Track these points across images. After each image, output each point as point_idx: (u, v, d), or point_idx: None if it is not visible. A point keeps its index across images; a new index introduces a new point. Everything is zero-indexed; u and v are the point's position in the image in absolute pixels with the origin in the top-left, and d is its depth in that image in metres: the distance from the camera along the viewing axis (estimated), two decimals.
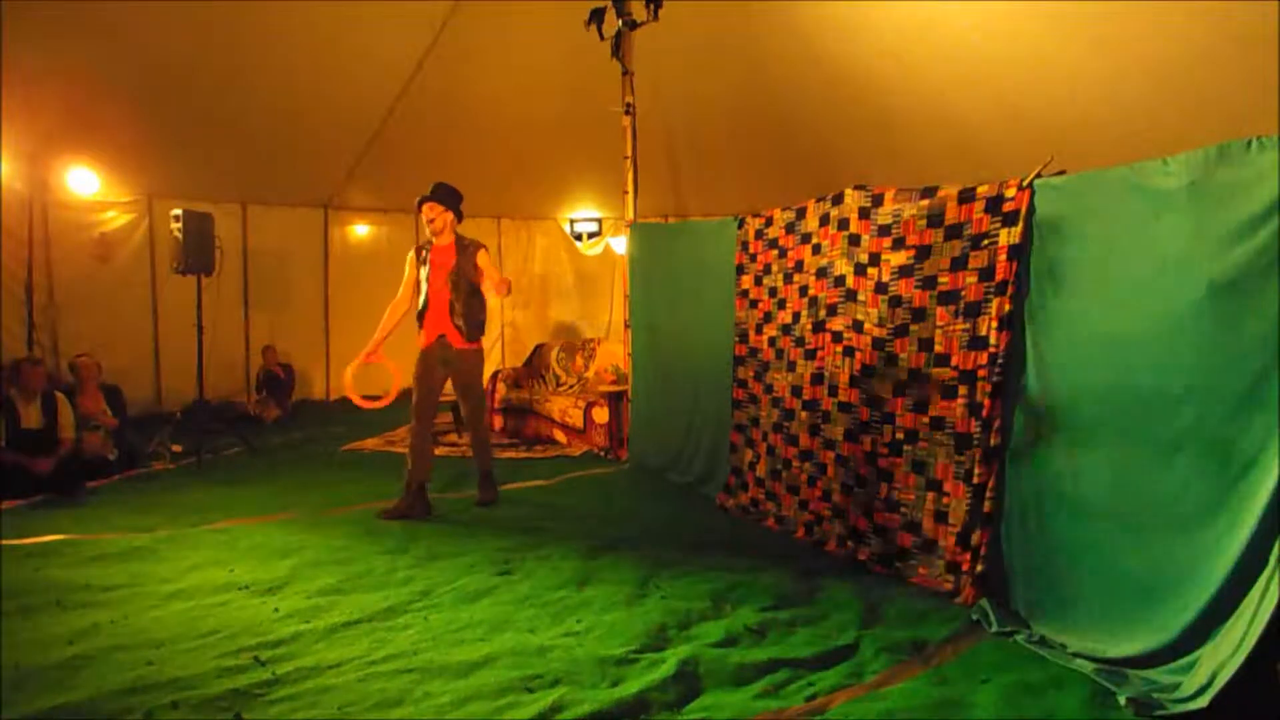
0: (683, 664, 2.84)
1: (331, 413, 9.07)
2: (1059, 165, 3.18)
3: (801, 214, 4.55)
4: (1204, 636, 2.51)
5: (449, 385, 5.06)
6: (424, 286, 4.86)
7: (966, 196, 3.47)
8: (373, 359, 5.04)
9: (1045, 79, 5.38)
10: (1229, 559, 2.44)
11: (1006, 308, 3.26)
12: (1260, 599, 2.31)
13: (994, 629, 3.14)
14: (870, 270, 3.97)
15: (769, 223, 4.81)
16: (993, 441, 3.33)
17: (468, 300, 4.83)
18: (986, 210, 3.37)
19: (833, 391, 4.23)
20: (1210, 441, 2.55)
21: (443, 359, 4.87)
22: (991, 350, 3.32)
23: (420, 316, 4.89)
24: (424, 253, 4.93)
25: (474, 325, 4.87)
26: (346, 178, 9.21)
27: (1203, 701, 2.37)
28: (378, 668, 2.84)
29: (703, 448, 5.48)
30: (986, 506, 3.35)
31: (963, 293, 3.47)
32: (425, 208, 4.83)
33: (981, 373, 3.38)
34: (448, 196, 4.85)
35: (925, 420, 3.67)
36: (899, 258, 3.80)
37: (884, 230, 3.89)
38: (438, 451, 6.71)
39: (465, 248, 4.87)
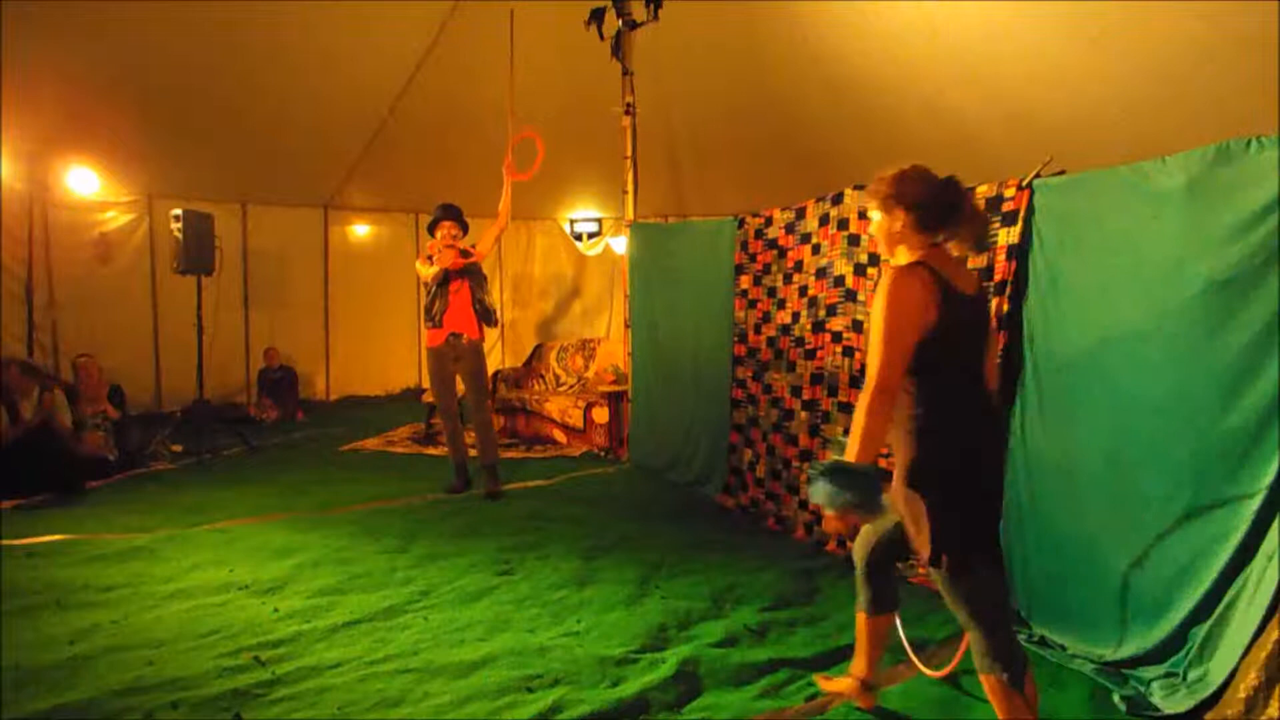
0: (683, 664, 2.85)
1: (331, 413, 9.07)
2: (1059, 165, 3.18)
3: (801, 214, 4.55)
4: (1198, 637, 2.51)
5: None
6: (435, 289, 5.28)
7: None
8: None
9: (1045, 79, 5.37)
10: (1224, 558, 2.44)
11: (1005, 308, 3.26)
12: (1252, 598, 2.31)
13: None
14: (870, 270, 3.97)
15: (768, 223, 4.81)
16: None
17: (485, 295, 5.39)
18: (986, 210, 3.37)
19: (832, 391, 4.24)
20: (1208, 441, 2.55)
21: (454, 355, 5.27)
22: None
23: (439, 316, 5.25)
24: (433, 259, 5.33)
25: (490, 313, 5.40)
26: (346, 178, 9.21)
27: (1190, 702, 2.38)
28: (378, 668, 2.84)
29: (702, 448, 5.48)
30: None
31: None
32: (446, 226, 5.28)
33: None
34: (459, 215, 5.37)
35: None
36: None
37: None
38: (437, 452, 6.75)
39: (467, 251, 5.35)
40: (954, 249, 2.20)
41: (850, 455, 2.01)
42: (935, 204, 2.15)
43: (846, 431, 2.13)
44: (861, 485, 1.99)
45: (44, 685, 2.70)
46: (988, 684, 2.09)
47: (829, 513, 2.04)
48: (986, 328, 2.21)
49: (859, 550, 2.52)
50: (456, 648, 3.01)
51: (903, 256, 2.19)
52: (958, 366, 2.12)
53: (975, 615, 2.07)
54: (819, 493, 2.03)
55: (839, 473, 2.01)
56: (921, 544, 2.07)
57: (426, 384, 9.59)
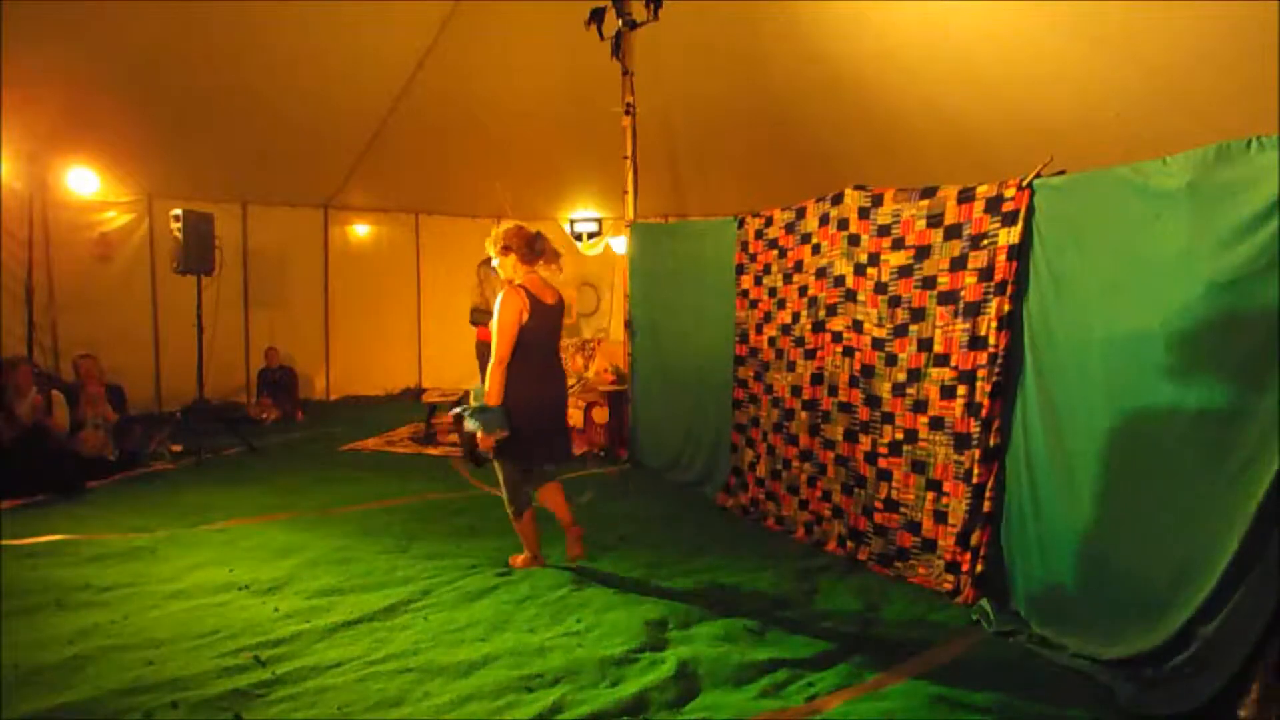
0: (683, 664, 2.84)
1: (331, 413, 9.07)
2: (1059, 165, 3.18)
3: (801, 214, 4.55)
4: (1201, 637, 2.51)
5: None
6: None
7: (966, 196, 3.48)
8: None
9: (1045, 79, 5.36)
10: (1226, 558, 2.43)
11: (1006, 308, 3.26)
12: (1258, 600, 2.31)
13: (994, 629, 3.14)
14: (870, 270, 3.97)
15: (769, 223, 4.81)
16: (992, 441, 3.33)
17: None
18: (986, 210, 3.37)
19: (832, 391, 4.24)
20: (1209, 440, 2.55)
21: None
22: (991, 350, 3.32)
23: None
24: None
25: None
26: (346, 178, 9.21)
27: (1196, 703, 2.38)
28: (378, 668, 2.84)
29: (703, 448, 5.48)
30: (986, 506, 3.35)
31: (962, 293, 3.47)
32: None
33: (981, 373, 3.38)
34: None
35: (925, 420, 3.67)
36: (898, 258, 3.80)
37: (884, 230, 3.89)
38: (437, 452, 6.76)
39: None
40: (544, 271, 3.78)
41: (487, 400, 3.53)
42: (526, 248, 3.72)
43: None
44: (493, 418, 3.51)
45: (44, 685, 2.70)
46: (518, 523, 3.80)
47: (480, 437, 3.55)
48: (560, 323, 3.79)
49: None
50: (456, 648, 3.01)
51: (518, 279, 3.67)
52: (538, 346, 3.65)
53: (505, 485, 3.72)
54: (472, 424, 3.54)
55: (481, 411, 3.53)
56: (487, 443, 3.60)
57: (429, 384, 9.71)
